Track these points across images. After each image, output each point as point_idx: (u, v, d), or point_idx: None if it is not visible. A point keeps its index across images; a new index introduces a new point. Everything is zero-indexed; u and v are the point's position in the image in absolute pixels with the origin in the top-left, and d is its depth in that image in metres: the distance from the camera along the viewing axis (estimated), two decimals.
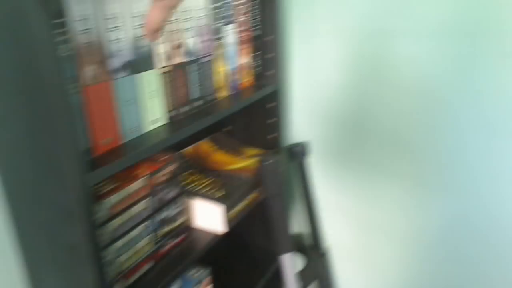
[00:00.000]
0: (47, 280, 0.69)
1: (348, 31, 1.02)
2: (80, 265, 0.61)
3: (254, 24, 0.95)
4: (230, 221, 0.85)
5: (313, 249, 1.19)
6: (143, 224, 0.72)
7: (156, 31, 0.44)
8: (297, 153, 1.17)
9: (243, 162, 1.00)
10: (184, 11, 0.74)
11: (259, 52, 0.99)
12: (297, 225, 1.31)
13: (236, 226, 1.15)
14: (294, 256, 1.17)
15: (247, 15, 0.92)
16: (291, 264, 0.98)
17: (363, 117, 1.07)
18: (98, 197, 0.63)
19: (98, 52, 0.59)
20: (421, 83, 0.97)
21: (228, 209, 0.84)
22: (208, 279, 0.90)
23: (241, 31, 0.91)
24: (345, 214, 1.20)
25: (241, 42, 0.92)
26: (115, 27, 0.61)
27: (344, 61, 1.05)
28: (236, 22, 0.89)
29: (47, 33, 0.48)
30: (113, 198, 0.65)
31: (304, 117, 1.17)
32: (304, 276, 1.09)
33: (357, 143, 1.11)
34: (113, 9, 0.60)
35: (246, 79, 0.96)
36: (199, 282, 0.87)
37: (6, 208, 0.68)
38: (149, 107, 0.69)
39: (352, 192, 1.16)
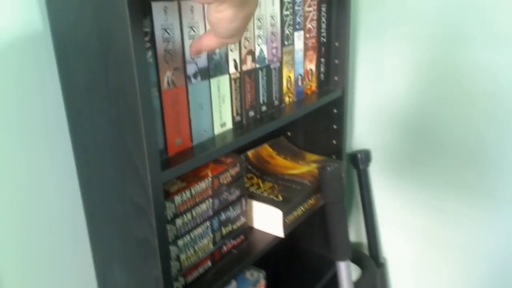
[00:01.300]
0: (115, 273, 0.73)
1: (417, 38, 1.00)
2: (147, 260, 0.65)
3: (321, 31, 0.95)
4: (288, 226, 0.86)
5: (370, 260, 1.17)
6: (205, 224, 0.74)
7: (201, 53, 0.46)
8: (359, 161, 1.16)
9: (303, 168, 1.01)
10: (256, 19, 0.75)
11: (325, 58, 0.99)
12: (355, 234, 1.29)
13: (294, 231, 1.16)
14: (351, 264, 1.16)
15: (315, 21, 0.92)
16: (348, 272, 0.97)
17: (430, 127, 1.04)
18: (168, 194, 0.67)
19: (177, 59, 0.62)
20: (495, 92, 0.93)
21: (287, 214, 0.84)
22: (263, 282, 0.92)
23: (308, 38, 0.91)
24: (404, 226, 1.17)
25: (308, 48, 0.92)
26: (193, 35, 0.64)
27: (412, 68, 1.03)
28: (304, 29, 0.89)
29: (136, 40, 0.51)
30: (181, 197, 0.68)
31: (367, 124, 1.16)
32: (360, 286, 1.08)
33: (422, 153, 1.08)
34: (191, 18, 0.63)
35: (311, 85, 0.96)
36: (255, 284, 0.89)
37: (83, 202, 0.74)
38: (219, 111, 0.72)
39: (414, 204, 1.13)
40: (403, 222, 1.17)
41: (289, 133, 1.13)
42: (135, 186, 0.60)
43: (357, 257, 1.18)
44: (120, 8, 0.50)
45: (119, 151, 0.61)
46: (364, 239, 1.27)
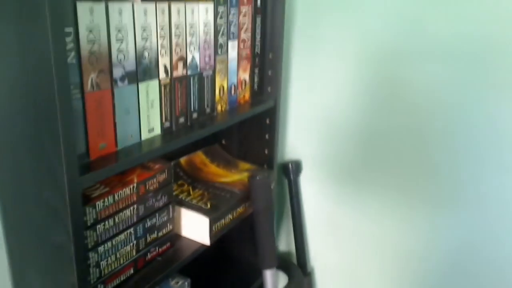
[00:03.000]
0: (31, 279, 0.70)
1: (349, 53, 1.05)
2: (64, 266, 0.62)
3: (255, 42, 0.98)
4: (215, 234, 0.86)
5: (297, 269, 1.20)
6: (129, 230, 0.73)
7: None
8: (289, 170, 1.19)
9: (235, 176, 1.02)
10: (189, 26, 0.76)
11: (259, 69, 1.01)
12: (285, 243, 1.32)
13: (223, 239, 1.16)
14: (278, 273, 1.19)
15: (249, 32, 0.94)
16: (273, 280, 0.99)
17: (361, 137, 1.10)
18: (88, 200, 0.65)
19: (102, 61, 0.61)
20: (423, 101, 0.99)
21: (214, 221, 0.85)
22: None
23: (243, 48, 0.93)
24: (333, 235, 1.21)
25: (242, 58, 0.94)
26: (120, 38, 0.63)
27: (345, 82, 1.08)
28: (238, 39, 0.91)
29: (56, 39, 0.49)
30: (103, 202, 0.66)
31: (300, 134, 1.19)
32: None
33: (352, 163, 1.13)
34: (119, 21, 0.62)
35: (245, 95, 0.98)
36: None
37: None
38: (147, 116, 0.71)
39: (343, 213, 1.18)
40: (331, 231, 1.21)
41: (223, 141, 1.14)
42: (52, 190, 0.58)
43: (285, 266, 1.21)
44: (40, 7, 0.48)
45: (37, 153, 0.58)
46: (293, 248, 1.30)
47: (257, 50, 0.99)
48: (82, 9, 0.56)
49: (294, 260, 1.27)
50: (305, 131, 1.18)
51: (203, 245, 0.86)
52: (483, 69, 0.89)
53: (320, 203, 1.21)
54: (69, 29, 0.54)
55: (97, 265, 0.68)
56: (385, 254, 1.14)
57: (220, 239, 1.17)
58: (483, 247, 0.99)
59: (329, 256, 1.24)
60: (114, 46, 0.62)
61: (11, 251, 0.72)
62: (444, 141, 0.97)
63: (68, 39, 0.54)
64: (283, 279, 1.26)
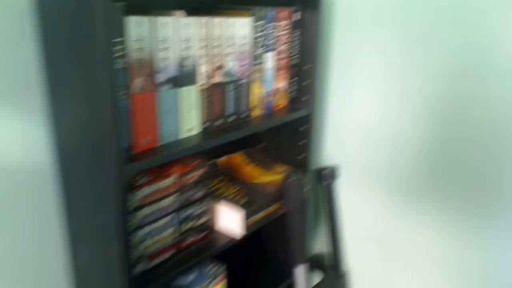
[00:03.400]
0: (83, 252, 0.82)
1: (386, 67, 1.09)
2: (110, 244, 0.73)
3: (293, 53, 1.05)
4: (248, 227, 0.94)
5: (330, 269, 1.24)
6: (168, 217, 0.83)
7: None
8: (325, 175, 1.24)
9: (270, 177, 1.09)
10: (228, 38, 0.85)
11: (296, 78, 1.08)
12: (321, 246, 1.37)
13: (259, 235, 1.23)
14: (308, 269, 1.23)
15: (287, 44, 1.02)
16: (304, 276, 1.04)
17: (398, 146, 1.13)
18: (134, 187, 0.75)
19: (148, 67, 0.71)
20: (477, 115, 1.01)
21: (247, 215, 0.92)
22: (223, 275, 0.99)
23: (280, 58, 1.01)
24: (371, 240, 1.24)
25: (279, 68, 1.01)
26: (165, 47, 0.73)
27: (384, 94, 1.12)
28: (276, 50, 0.99)
29: (107, 47, 0.60)
30: (146, 190, 0.77)
31: (337, 142, 1.24)
32: None
33: (390, 171, 1.16)
34: (164, 33, 0.72)
35: (281, 102, 1.05)
36: (214, 277, 0.96)
37: (59, 187, 0.82)
38: (186, 117, 0.81)
39: (380, 219, 1.21)
40: (368, 237, 1.24)
41: (262, 145, 1.22)
42: (101, 177, 0.69)
43: (319, 266, 1.25)
44: (95, 20, 0.59)
45: (91, 145, 0.69)
46: (328, 250, 1.34)
47: (294, 61, 1.06)
48: (131, 22, 0.67)
49: (330, 261, 1.31)
50: (343, 138, 1.22)
51: (236, 237, 0.94)
52: None
53: (357, 209, 1.24)
54: (119, 39, 0.65)
55: (139, 245, 0.78)
56: (423, 265, 1.14)
57: (255, 237, 1.25)
58: None
59: (364, 260, 1.26)
60: (159, 54, 0.72)
61: (68, 231, 0.84)
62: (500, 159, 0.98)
63: (118, 48, 0.65)
64: (317, 279, 1.30)
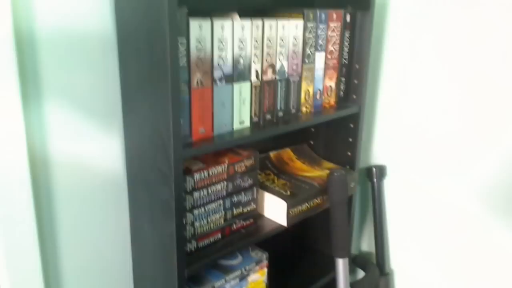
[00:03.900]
0: (144, 228, 0.92)
1: (436, 70, 1.10)
2: (167, 218, 0.82)
3: (343, 53, 1.09)
4: (292, 218, 1.00)
5: (374, 266, 1.26)
6: (219, 201, 0.91)
7: None
8: (373, 174, 1.27)
9: (317, 172, 1.14)
10: (280, 39, 0.92)
11: (345, 78, 1.12)
12: (367, 244, 1.39)
13: (303, 228, 1.29)
14: (351, 264, 1.27)
15: (337, 45, 1.07)
16: (345, 269, 1.08)
17: (449, 150, 1.14)
18: (189, 171, 0.84)
19: (206, 65, 0.80)
20: None
21: (291, 206, 0.98)
22: (266, 262, 1.06)
23: (330, 58, 1.06)
24: (417, 241, 1.25)
25: (329, 67, 1.06)
26: (222, 47, 0.81)
27: (437, 96, 1.13)
28: (326, 50, 1.04)
29: (172, 47, 0.69)
30: (199, 175, 0.85)
31: (387, 141, 1.27)
32: (357, 285, 1.18)
33: (438, 173, 1.17)
34: (221, 34, 0.80)
35: (330, 100, 1.10)
36: (258, 262, 1.03)
37: (126, 170, 0.93)
38: (239, 110, 0.88)
39: (427, 221, 1.22)
40: (414, 237, 1.25)
41: (311, 142, 1.27)
42: (163, 160, 0.78)
43: (363, 263, 1.28)
44: (163, 24, 0.68)
45: (155, 131, 0.79)
46: (374, 249, 1.36)
47: (345, 60, 1.11)
48: (193, 25, 0.75)
49: (374, 260, 1.33)
50: (393, 138, 1.25)
51: (281, 226, 1.00)
52: None
53: (403, 209, 1.26)
54: (183, 40, 0.74)
55: (192, 224, 0.87)
56: (466, 269, 1.14)
57: (301, 230, 1.30)
58: None
59: (408, 261, 1.27)
60: (216, 53, 0.81)
61: (132, 207, 0.95)
62: None
63: (182, 48, 0.74)
64: (361, 275, 1.33)
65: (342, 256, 1.08)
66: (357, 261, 1.33)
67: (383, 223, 1.31)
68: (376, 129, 1.29)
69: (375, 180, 1.27)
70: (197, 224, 0.88)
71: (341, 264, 1.08)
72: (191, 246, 0.88)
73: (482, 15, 0.99)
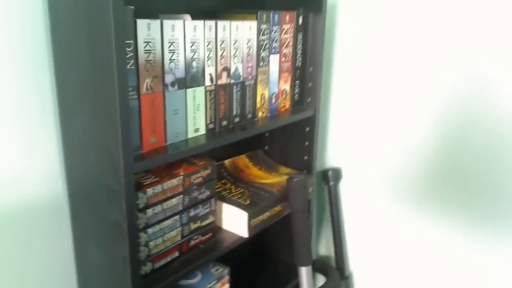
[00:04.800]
0: (91, 253, 0.82)
1: (393, 68, 1.10)
2: (118, 242, 0.73)
3: (297, 56, 1.06)
4: (253, 228, 0.95)
5: (335, 271, 1.24)
6: (175, 217, 0.83)
7: None
8: (329, 177, 1.25)
9: (274, 178, 1.10)
10: (233, 40, 0.86)
11: (300, 81, 1.09)
12: (325, 248, 1.37)
13: (264, 237, 1.24)
14: (315, 273, 1.24)
15: (291, 47, 1.03)
16: (308, 278, 1.05)
17: (402, 148, 1.14)
18: (141, 186, 0.76)
19: (156, 69, 0.72)
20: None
21: (252, 216, 0.93)
22: (227, 277, 1.00)
23: (284, 61, 1.02)
24: (374, 242, 1.25)
25: (284, 70, 1.03)
26: (173, 50, 0.74)
27: (388, 97, 1.13)
28: (280, 53, 1.00)
29: (119, 49, 0.62)
30: (153, 190, 0.78)
31: (341, 144, 1.25)
32: None
33: (391, 173, 1.17)
34: (172, 35, 0.74)
35: (285, 104, 1.06)
36: (219, 278, 0.97)
37: (67, 187, 0.83)
38: (193, 117, 0.82)
39: (383, 221, 1.21)
40: (371, 239, 1.25)
41: (266, 147, 1.23)
42: (111, 175, 0.70)
43: (323, 268, 1.26)
44: (107, 23, 0.61)
45: (100, 143, 0.71)
46: (333, 252, 1.35)
47: (298, 63, 1.08)
48: (141, 24, 0.68)
49: (333, 264, 1.31)
50: (346, 141, 1.24)
51: (241, 238, 0.94)
52: None
53: (360, 211, 1.25)
54: (130, 41, 0.66)
55: (147, 244, 0.79)
56: (426, 269, 1.15)
57: (260, 239, 1.25)
58: None
59: (368, 262, 1.27)
60: (167, 56, 0.74)
61: (75, 226, 0.85)
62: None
63: (128, 49, 0.67)
64: (321, 281, 1.31)
65: (305, 264, 1.04)
66: (316, 266, 1.30)
67: (341, 226, 1.29)
68: (330, 132, 1.27)
69: (331, 183, 1.25)
70: (152, 244, 0.80)
71: (305, 273, 1.05)
72: (146, 268, 0.80)
73: (431, 16, 1.01)
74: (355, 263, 1.30)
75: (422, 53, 1.04)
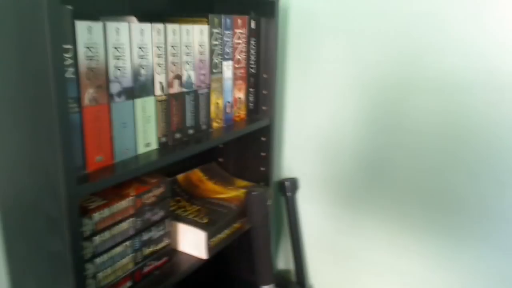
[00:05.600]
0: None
1: (344, 76, 1.08)
2: (61, 276, 0.64)
3: (250, 62, 1.01)
4: (212, 248, 0.87)
5: (296, 286, 1.20)
6: (126, 243, 0.74)
7: None
8: (286, 188, 1.20)
9: (231, 192, 1.04)
10: (184, 46, 0.80)
11: (254, 89, 1.04)
12: (284, 261, 1.32)
13: (220, 256, 1.17)
14: None
15: (244, 53, 0.98)
16: None
17: (356, 157, 1.12)
18: (86, 211, 0.67)
19: (100, 77, 0.64)
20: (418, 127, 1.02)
21: (211, 235, 0.86)
22: None
23: (238, 68, 0.97)
24: (333, 253, 1.21)
25: (237, 78, 0.97)
26: (118, 56, 0.66)
27: (339, 104, 1.11)
28: (233, 59, 0.95)
29: (56, 55, 0.53)
30: (100, 214, 0.68)
31: (296, 153, 1.21)
32: None
33: (348, 181, 1.14)
34: (117, 40, 0.66)
35: (240, 113, 1.01)
36: None
37: None
38: (143, 131, 0.74)
39: (340, 230, 1.19)
40: (329, 249, 1.21)
41: (220, 159, 1.16)
42: (50, 200, 0.60)
43: (283, 284, 1.21)
44: (41, 24, 0.52)
45: (35, 164, 0.61)
46: (292, 265, 1.30)
47: (252, 70, 1.03)
48: (81, 28, 0.59)
49: (293, 277, 1.27)
50: (301, 149, 1.20)
51: (200, 260, 0.87)
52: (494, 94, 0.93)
53: (317, 221, 1.22)
54: (68, 46, 0.58)
55: (94, 276, 0.69)
56: (382, 275, 1.14)
57: (218, 257, 1.18)
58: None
59: (328, 273, 1.23)
60: (111, 63, 0.66)
61: (10, 260, 0.73)
62: (449, 170, 0.99)
63: (67, 55, 0.58)
64: None
65: (267, 283, 0.98)
66: (276, 282, 1.25)
67: (300, 238, 1.25)
68: (286, 140, 1.23)
69: (289, 194, 1.21)
70: (100, 275, 0.70)
71: None
72: None
73: (386, 20, 1.00)
74: (315, 274, 1.26)
75: (377, 54, 1.03)
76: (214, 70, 0.89)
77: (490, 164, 0.93)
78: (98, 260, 0.69)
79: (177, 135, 0.82)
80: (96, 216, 0.68)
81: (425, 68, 0.97)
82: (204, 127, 0.89)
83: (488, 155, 0.93)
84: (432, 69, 0.96)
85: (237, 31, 0.94)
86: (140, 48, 0.70)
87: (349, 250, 1.18)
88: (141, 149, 0.74)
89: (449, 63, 0.94)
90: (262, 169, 1.10)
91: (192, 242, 0.87)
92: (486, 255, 0.98)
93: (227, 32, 0.91)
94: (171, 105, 0.79)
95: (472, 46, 0.91)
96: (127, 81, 0.69)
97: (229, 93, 0.96)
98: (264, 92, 1.05)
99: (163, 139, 0.79)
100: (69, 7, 0.57)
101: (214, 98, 0.90)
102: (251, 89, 1.03)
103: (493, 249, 0.97)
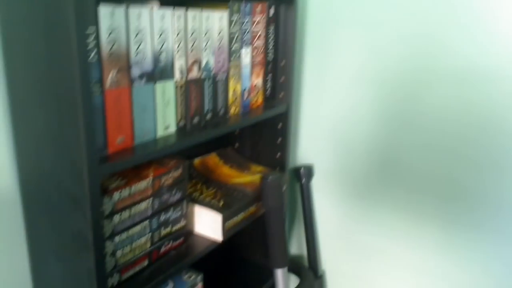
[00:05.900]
0: (50, 265, 0.74)
1: (362, 66, 1.08)
2: (82, 253, 0.66)
3: (268, 49, 1.02)
4: (228, 231, 0.89)
5: (308, 271, 1.21)
6: (144, 223, 0.77)
7: None
8: (301, 175, 1.21)
9: (247, 177, 1.05)
10: (204, 31, 0.81)
11: (271, 75, 1.05)
12: (297, 246, 1.34)
13: (236, 239, 1.19)
14: (288, 273, 1.20)
15: (262, 40, 0.99)
16: (284, 279, 1.01)
17: (370, 147, 1.12)
18: (106, 191, 0.69)
19: (122, 61, 0.65)
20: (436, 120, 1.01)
21: (226, 219, 0.88)
22: (200, 284, 0.94)
23: (256, 54, 0.97)
24: (346, 239, 1.22)
25: (255, 64, 0.98)
26: (139, 40, 0.68)
27: (357, 94, 1.10)
28: (251, 46, 0.95)
29: (80, 39, 0.55)
30: (120, 194, 0.71)
31: (312, 140, 1.22)
32: None
33: (365, 172, 1.14)
34: (138, 24, 0.67)
35: (257, 99, 1.02)
36: (192, 286, 0.91)
37: (20, 190, 0.75)
38: (162, 114, 0.76)
39: (354, 218, 1.19)
40: (343, 236, 1.22)
41: (237, 145, 1.17)
42: (72, 179, 0.63)
43: (296, 268, 1.22)
44: (66, 9, 0.53)
45: (59, 144, 0.63)
46: (304, 251, 1.32)
47: (270, 57, 1.03)
48: (104, 12, 0.61)
49: (306, 263, 1.28)
50: (317, 137, 1.21)
51: (215, 242, 0.89)
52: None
53: (331, 208, 1.23)
54: (91, 30, 0.59)
55: (113, 254, 0.72)
56: (394, 267, 1.14)
57: (233, 240, 1.20)
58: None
59: (340, 260, 1.25)
60: (133, 47, 0.67)
61: (32, 238, 0.76)
62: (463, 163, 0.98)
63: (90, 39, 0.59)
64: (294, 281, 1.28)
65: (281, 266, 1.00)
66: (289, 267, 1.27)
67: (314, 225, 1.26)
68: (301, 128, 1.24)
69: (303, 180, 1.22)
70: (119, 253, 0.73)
71: (281, 275, 1.01)
72: (113, 280, 0.73)
73: (406, 14, 0.99)
74: (327, 262, 1.27)
75: (394, 46, 1.02)
76: (232, 56, 0.90)
77: (511, 157, 0.92)
78: (117, 239, 0.72)
79: (195, 120, 0.83)
80: (116, 195, 0.70)
81: (442, 61, 0.96)
82: (221, 112, 0.90)
83: (510, 149, 0.92)
84: (449, 62, 0.95)
85: (256, 17, 0.95)
86: (160, 33, 0.71)
87: (361, 239, 1.19)
88: (160, 132, 0.76)
89: (466, 58, 0.92)
90: (277, 155, 1.11)
91: (208, 224, 0.89)
92: (502, 248, 0.98)
93: (246, 18, 0.91)
94: (190, 90, 0.80)
95: (495, 40, 0.89)
96: (148, 65, 0.70)
97: (247, 79, 0.96)
98: (281, 79, 1.06)
99: (182, 123, 0.80)
100: None
101: (232, 84, 0.91)
102: (268, 76, 1.04)
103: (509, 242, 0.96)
